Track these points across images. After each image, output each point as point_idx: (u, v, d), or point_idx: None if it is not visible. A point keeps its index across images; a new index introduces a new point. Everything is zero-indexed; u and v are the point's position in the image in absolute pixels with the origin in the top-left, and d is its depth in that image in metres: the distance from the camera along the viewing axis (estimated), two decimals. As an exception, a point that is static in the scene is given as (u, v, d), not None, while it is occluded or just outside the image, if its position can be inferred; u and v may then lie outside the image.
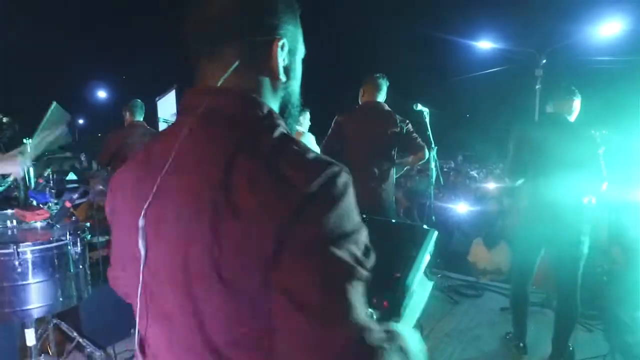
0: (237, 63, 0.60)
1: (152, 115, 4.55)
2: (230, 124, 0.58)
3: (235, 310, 0.53)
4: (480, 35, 14.91)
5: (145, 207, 0.57)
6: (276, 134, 0.57)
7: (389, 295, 0.89)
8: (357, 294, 0.50)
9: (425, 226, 0.99)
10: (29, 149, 2.16)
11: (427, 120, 3.27)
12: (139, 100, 3.98)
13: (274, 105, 0.66)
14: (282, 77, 0.64)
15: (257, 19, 0.62)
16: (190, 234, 0.54)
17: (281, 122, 0.61)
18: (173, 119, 0.67)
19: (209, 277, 0.52)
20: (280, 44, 0.62)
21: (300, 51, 0.70)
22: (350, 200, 0.53)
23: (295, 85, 0.70)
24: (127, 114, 3.89)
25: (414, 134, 2.94)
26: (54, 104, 2.00)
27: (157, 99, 4.82)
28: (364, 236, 0.54)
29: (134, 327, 0.65)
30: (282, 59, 0.64)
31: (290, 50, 0.66)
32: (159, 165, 0.58)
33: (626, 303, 2.85)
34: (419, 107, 3.22)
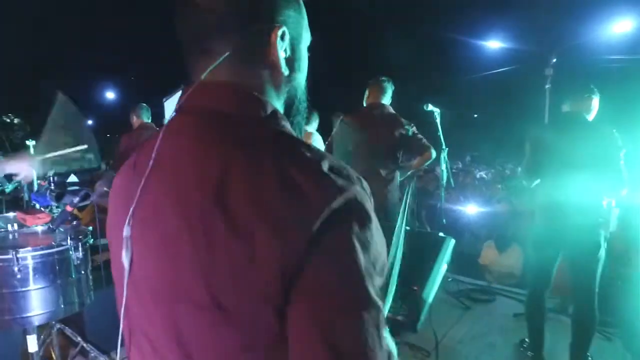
0: (227, 53, 0.53)
1: (159, 117, 4.56)
2: (225, 123, 0.51)
3: (229, 339, 0.46)
4: (489, 34, 14.79)
5: (128, 216, 0.51)
6: (283, 136, 0.50)
7: (407, 308, 0.83)
8: (383, 330, 0.44)
9: (441, 234, 0.93)
10: (32, 151, 2.13)
11: (438, 120, 3.22)
12: (144, 104, 4.10)
13: (279, 102, 0.58)
14: (285, 71, 0.57)
15: (251, 6, 0.54)
16: (177, 252, 0.47)
17: (287, 124, 0.54)
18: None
19: (199, 300, 0.45)
20: (279, 32, 0.55)
21: (306, 39, 0.61)
22: (374, 218, 0.46)
23: (301, 77, 0.62)
24: (134, 117, 4.04)
25: (419, 135, 2.92)
26: (59, 94, 1.97)
27: (164, 99, 4.79)
28: (384, 256, 0.47)
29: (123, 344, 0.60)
30: (283, 50, 0.56)
31: (293, 39, 0.58)
32: (142, 171, 0.52)
33: (635, 307, 2.74)
34: (430, 107, 3.18)
